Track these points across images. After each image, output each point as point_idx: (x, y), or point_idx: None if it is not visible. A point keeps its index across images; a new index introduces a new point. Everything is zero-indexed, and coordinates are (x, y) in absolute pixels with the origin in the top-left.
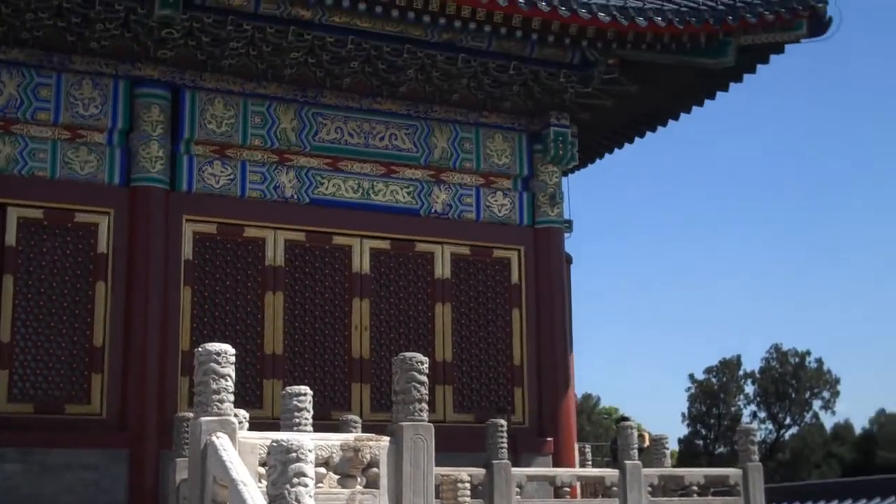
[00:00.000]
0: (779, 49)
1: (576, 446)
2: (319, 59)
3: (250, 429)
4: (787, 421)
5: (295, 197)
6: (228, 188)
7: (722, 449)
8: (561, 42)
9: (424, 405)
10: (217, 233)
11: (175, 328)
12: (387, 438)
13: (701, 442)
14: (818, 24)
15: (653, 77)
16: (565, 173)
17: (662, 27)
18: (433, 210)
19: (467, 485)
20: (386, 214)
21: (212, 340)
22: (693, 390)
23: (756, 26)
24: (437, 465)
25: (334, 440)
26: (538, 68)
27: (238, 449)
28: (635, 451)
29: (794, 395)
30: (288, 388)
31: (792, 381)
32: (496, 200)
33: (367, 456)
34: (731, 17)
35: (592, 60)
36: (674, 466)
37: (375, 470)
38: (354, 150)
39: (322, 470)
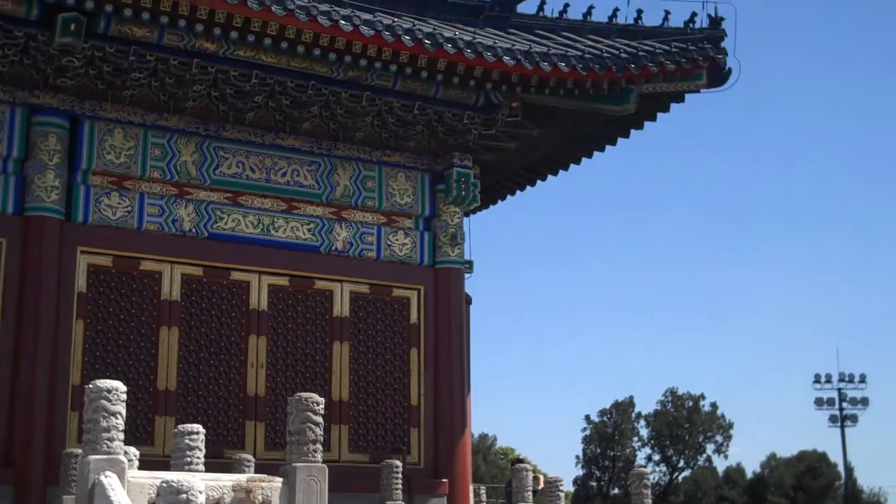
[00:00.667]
0: (679, 98)
1: (471, 488)
2: (223, 92)
3: (140, 467)
4: (681, 464)
5: (193, 231)
6: (125, 220)
7: (616, 491)
8: (466, 84)
9: (319, 446)
10: (112, 265)
11: (66, 362)
12: (279, 479)
13: (595, 484)
14: (718, 75)
15: (555, 121)
16: (467, 214)
17: (566, 72)
18: (334, 247)
19: None
20: (285, 251)
21: (104, 375)
22: (588, 432)
23: (657, 75)
24: None
25: (226, 481)
26: (442, 109)
27: (127, 489)
28: (530, 493)
29: (688, 439)
30: (180, 427)
31: (686, 424)
32: (397, 239)
33: (259, 497)
34: (633, 66)
35: (496, 103)
36: None
37: None
38: (255, 185)
39: None
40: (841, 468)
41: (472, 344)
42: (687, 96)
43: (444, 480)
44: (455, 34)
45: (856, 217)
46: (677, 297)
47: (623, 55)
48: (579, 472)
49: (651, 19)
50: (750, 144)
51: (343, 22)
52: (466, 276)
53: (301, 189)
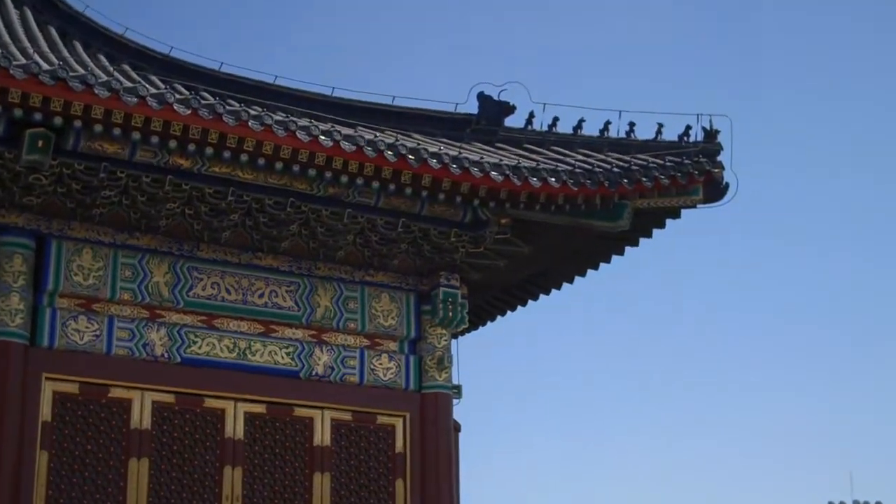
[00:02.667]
0: (675, 214)
1: None
2: (197, 210)
3: None
4: None
5: (165, 356)
6: (93, 345)
7: None
8: (452, 200)
9: None
10: (79, 392)
11: (28, 495)
12: None
13: None
14: (715, 190)
15: (546, 238)
16: (455, 336)
17: (556, 188)
18: (314, 372)
19: None
20: (263, 376)
21: None
22: None
23: (651, 190)
24: None
25: None
26: (428, 226)
27: None
28: None
29: None
30: None
31: None
32: (381, 363)
33: None
34: (626, 181)
35: (484, 220)
36: None
37: None
38: (231, 307)
39: None
40: None
41: (462, 473)
42: (683, 212)
43: None
44: (440, 149)
45: (867, 341)
46: (680, 422)
47: (615, 170)
48: None
49: (644, 132)
50: (750, 257)
51: (323, 137)
52: (455, 401)
53: (279, 311)
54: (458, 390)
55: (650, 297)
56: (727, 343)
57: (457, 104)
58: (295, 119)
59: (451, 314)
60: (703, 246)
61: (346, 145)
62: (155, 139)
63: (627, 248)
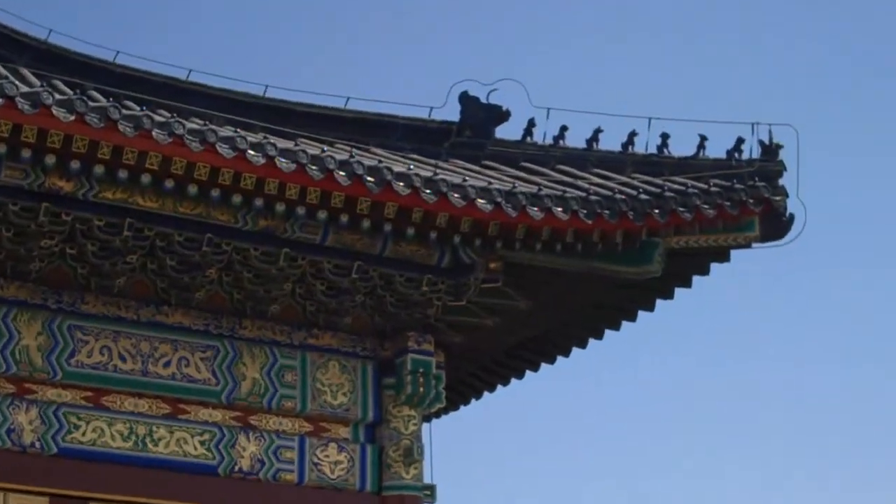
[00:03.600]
0: (723, 256)
1: None
2: (82, 249)
3: None
4: None
5: (37, 445)
6: None
7: None
8: (424, 237)
9: None
10: None
11: None
12: None
13: None
14: (775, 224)
15: (550, 289)
16: (427, 418)
17: (564, 220)
18: (237, 467)
19: None
20: (169, 472)
21: None
22: None
23: (691, 224)
24: None
25: None
26: (392, 272)
27: None
28: None
29: None
30: None
31: None
32: (328, 456)
33: None
34: (657, 211)
35: (468, 263)
36: None
37: None
38: (127, 380)
39: None
40: None
41: None
42: (734, 253)
43: None
44: (409, 168)
45: None
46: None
47: (643, 196)
48: None
49: (681, 147)
50: (826, 313)
51: (252, 152)
52: None
53: (192, 385)
54: (431, 491)
55: (689, 366)
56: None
57: (432, 108)
58: (215, 128)
59: (422, 390)
60: (760, 296)
61: (283, 163)
62: (26, 153)
63: (659, 302)
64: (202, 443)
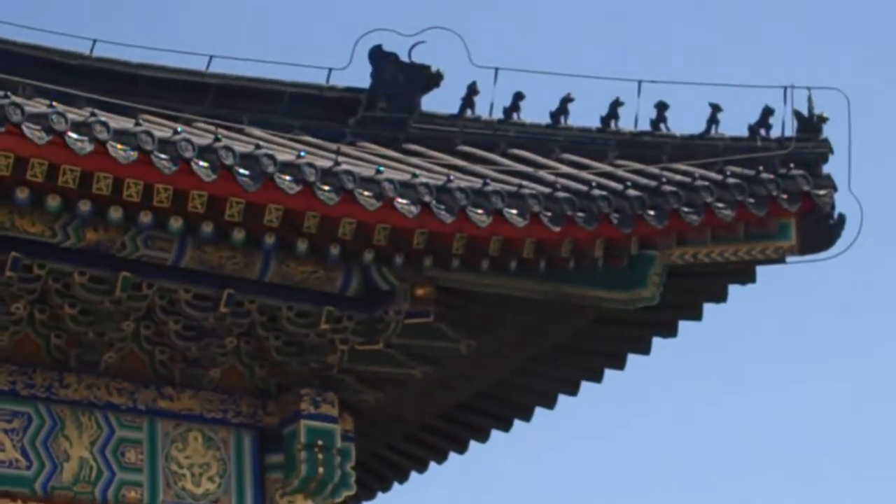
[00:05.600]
0: (745, 276)
1: None
2: None
3: None
4: None
5: None
6: None
7: None
8: (322, 254)
9: None
10: None
11: None
12: None
13: None
14: (820, 228)
15: (504, 325)
16: None
17: (520, 228)
18: None
19: None
20: None
21: None
22: None
23: (700, 230)
24: None
25: None
26: (276, 303)
27: None
28: None
29: None
30: None
31: None
32: None
33: None
34: (652, 213)
35: (384, 290)
36: None
37: None
38: None
39: None
40: None
41: None
42: (761, 270)
43: None
44: (299, 156)
45: None
46: None
47: (631, 192)
48: None
49: (685, 122)
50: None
51: (74, 136)
52: None
53: None
54: None
55: (697, 430)
56: None
57: (331, 70)
58: (21, 101)
59: (321, 471)
60: (797, 327)
61: (118, 150)
62: None
63: (656, 341)
64: None
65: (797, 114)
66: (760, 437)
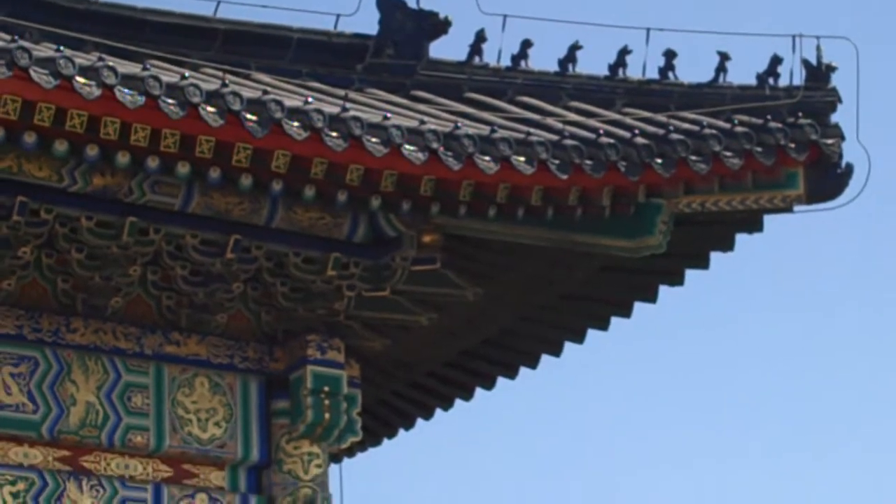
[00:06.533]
0: (753, 224)
1: None
2: None
3: None
4: None
5: None
6: None
7: None
8: (329, 200)
9: None
10: None
11: None
12: None
13: None
14: (827, 178)
15: (511, 272)
16: (337, 457)
17: (528, 175)
18: None
19: None
20: None
21: None
22: None
23: (708, 179)
24: None
25: None
26: (283, 249)
27: None
28: None
29: None
30: None
31: None
32: None
33: None
34: (659, 161)
35: (391, 237)
36: None
37: None
38: None
39: None
40: None
41: None
42: (768, 219)
43: None
44: (306, 102)
45: None
46: None
47: (639, 140)
48: None
49: (692, 70)
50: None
51: (82, 80)
52: None
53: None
54: None
55: (701, 380)
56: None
57: (339, 16)
58: (28, 45)
59: (328, 416)
60: (803, 274)
61: (126, 95)
62: None
63: (663, 289)
64: (14, 495)
65: (805, 63)
66: (765, 388)
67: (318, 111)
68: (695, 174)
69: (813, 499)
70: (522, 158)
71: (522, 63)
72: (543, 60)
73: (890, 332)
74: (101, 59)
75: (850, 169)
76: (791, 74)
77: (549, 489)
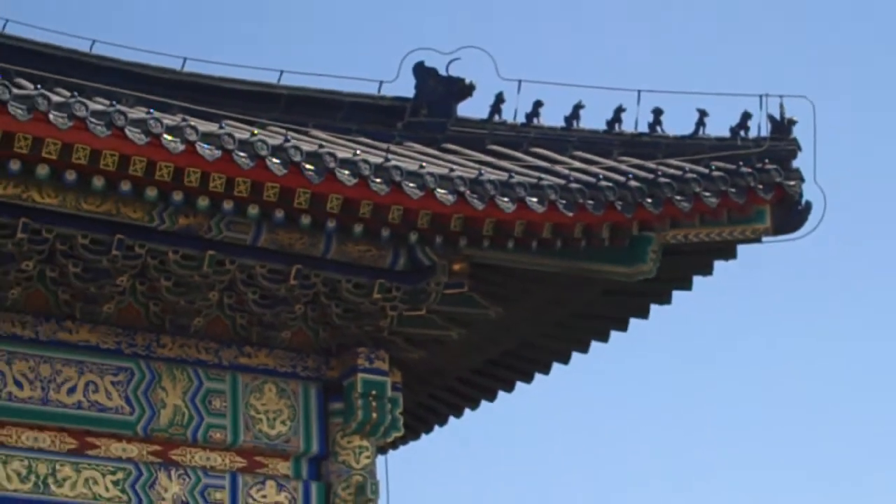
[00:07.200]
0: (728, 252)
1: None
2: None
3: None
4: None
5: None
6: None
7: None
8: (375, 235)
9: None
10: None
11: None
12: None
13: None
14: (790, 214)
15: (526, 294)
16: (383, 449)
17: (540, 213)
18: None
19: None
20: None
21: None
22: None
23: (690, 215)
24: None
25: None
26: (337, 276)
27: None
28: None
29: None
30: None
31: None
32: (265, 496)
33: None
34: (650, 200)
35: (427, 265)
36: None
37: None
38: (24, 411)
39: None
40: None
41: None
42: (741, 249)
43: None
44: (355, 154)
45: None
46: None
47: (633, 183)
48: None
49: (677, 124)
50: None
51: (168, 137)
52: None
53: (101, 415)
54: None
55: (689, 386)
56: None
57: (382, 83)
58: (124, 109)
59: (375, 416)
60: (771, 297)
61: (205, 149)
62: None
63: (654, 308)
64: (115, 483)
65: (771, 118)
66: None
67: (365, 161)
68: (679, 211)
69: None
70: (535, 199)
71: (535, 120)
72: (552, 117)
73: (849, 338)
74: (184, 119)
75: (809, 206)
76: (759, 127)
77: (558, 472)
